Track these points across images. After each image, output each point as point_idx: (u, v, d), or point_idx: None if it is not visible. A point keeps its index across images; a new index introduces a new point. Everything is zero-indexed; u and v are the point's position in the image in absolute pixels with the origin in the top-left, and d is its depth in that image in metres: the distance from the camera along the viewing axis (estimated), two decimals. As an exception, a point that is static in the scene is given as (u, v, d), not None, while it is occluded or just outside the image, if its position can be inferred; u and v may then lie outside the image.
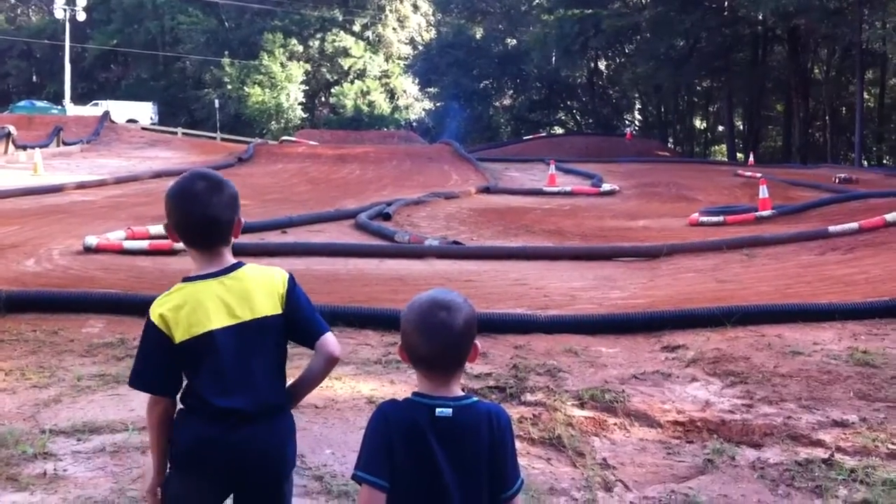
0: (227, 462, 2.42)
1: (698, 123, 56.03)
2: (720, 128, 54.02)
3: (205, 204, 2.49)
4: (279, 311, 2.52)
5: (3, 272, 9.89)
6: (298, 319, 2.55)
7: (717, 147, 55.91)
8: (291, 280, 2.58)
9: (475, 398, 2.26)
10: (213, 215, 2.50)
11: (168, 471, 2.53)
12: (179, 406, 2.52)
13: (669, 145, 49.22)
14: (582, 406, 5.27)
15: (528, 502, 3.92)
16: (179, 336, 2.41)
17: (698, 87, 50.74)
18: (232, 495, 2.53)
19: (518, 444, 4.64)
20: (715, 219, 15.87)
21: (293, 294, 2.56)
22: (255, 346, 2.48)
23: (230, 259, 2.55)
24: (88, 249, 11.27)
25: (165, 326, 2.41)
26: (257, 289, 2.51)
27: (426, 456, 2.16)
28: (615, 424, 5.01)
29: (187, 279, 2.50)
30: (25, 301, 7.72)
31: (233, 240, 2.58)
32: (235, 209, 2.56)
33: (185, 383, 2.51)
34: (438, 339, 2.20)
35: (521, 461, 4.42)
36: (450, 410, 2.18)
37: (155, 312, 2.44)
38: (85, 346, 6.47)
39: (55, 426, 4.79)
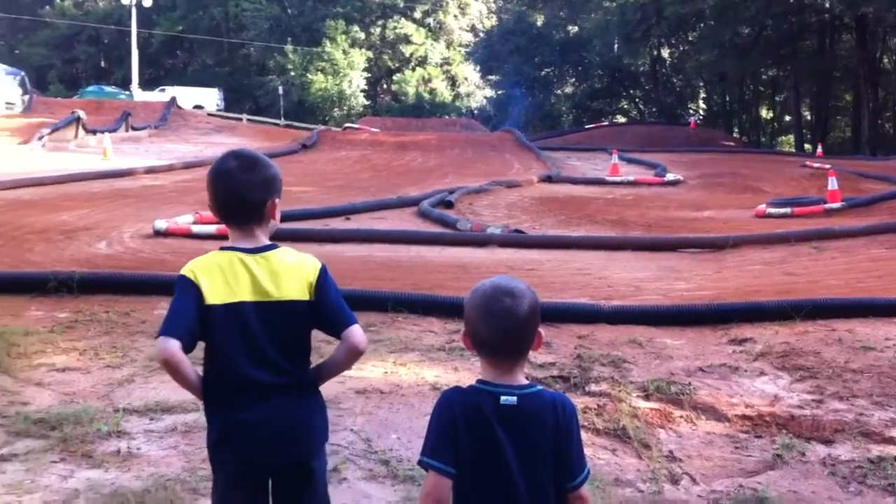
0: (258, 441, 2.47)
1: (764, 113, 55.03)
2: (787, 118, 53.01)
3: (236, 182, 2.57)
4: (306, 298, 2.56)
5: (76, 254, 10.14)
6: (326, 309, 2.59)
7: (783, 137, 54.89)
8: (323, 270, 2.62)
9: (540, 386, 2.27)
10: (241, 194, 2.57)
11: (213, 476, 2.60)
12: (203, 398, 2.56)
13: (734, 135, 48.47)
14: (647, 398, 5.25)
15: (593, 493, 3.91)
16: (212, 299, 2.47)
17: (764, 76, 49.83)
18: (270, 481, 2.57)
19: (583, 435, 4.64)
20: (782, 210, 15.60)
21: (324, 284, 2.59)
22: (278, 325, 2.53)
23: (264, 240, 2.61)
24: (158, 233, 11.49)
25: (199, 284, 2.47)
26: (287, 272, 2.56)
27: (491, 443, 2.17)
28: (681, 417, 4.98)
29: (223, 248, 2.58)
30: (98, 282, 7.89)
31: (272, 222, 2.63)
32: (271, 190, 2.61)
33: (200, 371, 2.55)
34: (503, 325, 2.21)
35: (586, 451, 4.40)
36: (514, 398, 2.20)
37: (191, 272, 2.51)
38: (156, 328, 6.57)
39: (128, 405, 4.91)
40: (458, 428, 2.17)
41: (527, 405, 2.20)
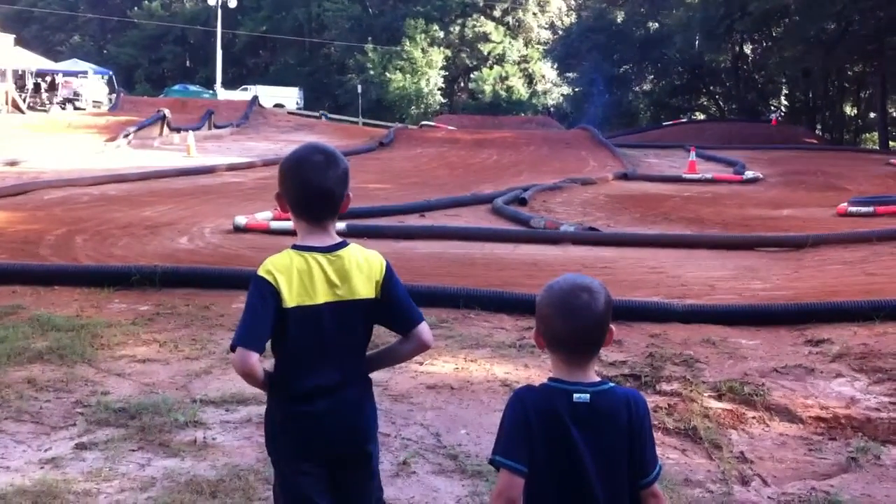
0: (319, 430, 2.51)
1: (848, 110, 53.52)
2: (872, 115, 51.45)
3: (321, 176, 2.54)
4: (373, 296, 2.57)
5: (158, 248, 10.41)
6: (394, 307, 2.60)
7: (868, 135, 53.30)
8: (389, 268, 2.62)
9: (612, 384, 2.26)
10: (329, 188, 2.55)
11: (273, 473, 2.66)
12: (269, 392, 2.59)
13: (817, 132, 47.28)
14: (719, 398, 5.19)
15: (662, 492, 3.90)
16: (292, 301, 2.47)
17: (849, 72, 48.42)
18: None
19: (653, 434, 4.63)
20: (865, 209, 15.18)
21: (391, 281, 2.60)
22: (348, 324, 2.55)
23: (335, 236, 2.60)
24: (238, 229, 11.73)
25: (279, 288, 2.46)
26: (357, 270, 2.56)
27: (565, 442, 2.16)
28: (754, 418, 4.91)
29: (297, 247, 2.56)
30: (180, 276, 8.09)
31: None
32: (347, 184, 2.61)
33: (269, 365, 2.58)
34: (580, 321, 2.20)
35: (656, 451, 4.40)
36: (587, 396, 2.18)
37: (269, 273, 2.48)
38: (234, 321, 6.70)
39: (205, 396, 5.03)
40: (532, 427, 2.16)
41: (600, 403, 2.19)
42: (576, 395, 2.18)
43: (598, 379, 2.25)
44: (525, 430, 2.17)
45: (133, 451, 4.25)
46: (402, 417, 4.74)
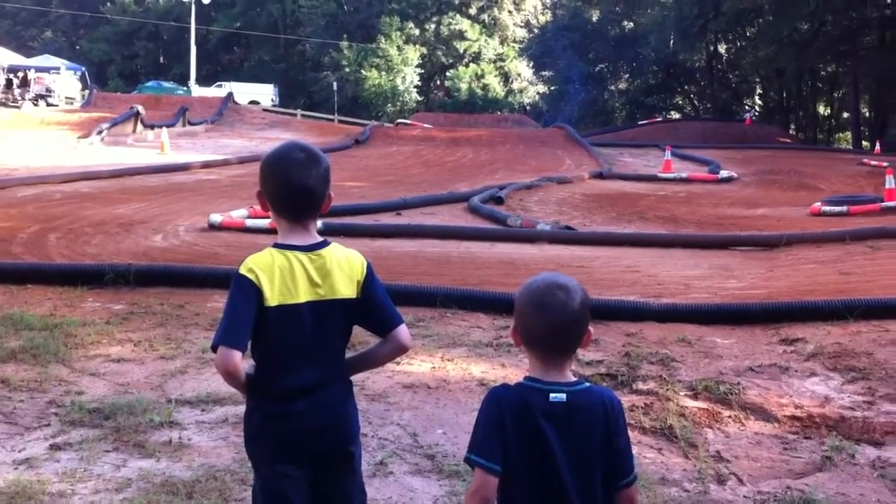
0: (300, 430, 2.49)
1: (822, 110, 54.00)
2: (845, 114, 51.94)
3: (303, 174, 2.53)
4: (354, 296, 2.56)
5: (132, 247, 10.34)
6: (374, 307, 2.60)
7: (841, 134, 53.78)
8: (370, 268, 2.62)
9: (588, 383, 2.26)
10: (310, 186, 2.53)
11: (254, 476, 2.63)
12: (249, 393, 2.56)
13: (791, 132, 47.68)
14: (695, 397, 5.22)
15: (638, 492, 3.92)
16: (273, 299, 2.45)
17: (822, 72, 48.86)
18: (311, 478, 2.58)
19: (629, 433, 4.64)
20: (838, 209, 15.32)
21: (371, 282, 2.60)
22: (329, 324, 2.53)
23: (316, 235, 2.59)
24: (213, 226, 11.67)
25: (260, 285, 2.44)
26: (338, 270, 2.55)
27: (540, 441, 2.16)
28: (729, 417, 4.94)
29: (278, 245, 2.54)
30: (154, 275, 8.06)
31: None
32: (328, 183, 2.59)
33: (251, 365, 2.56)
34: (556, 319, 2.19)
35: (632, 450, 4.41)
36: (564, 395, 2.18)
37: (251, 271, 2.46)
38: (210, 320, 6.71)
39: (181, 396, 5.01)
40: (506, 426, 2.16)
41: (576, 402, 2.19)
42: (552, 395, 2.18)
43: (574, 379, 2.25)
44: (499, 429, 2.16)
45: (108, 451, 4.22)
46: (379, 417, 4.73)
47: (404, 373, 5.44)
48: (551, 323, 2.20)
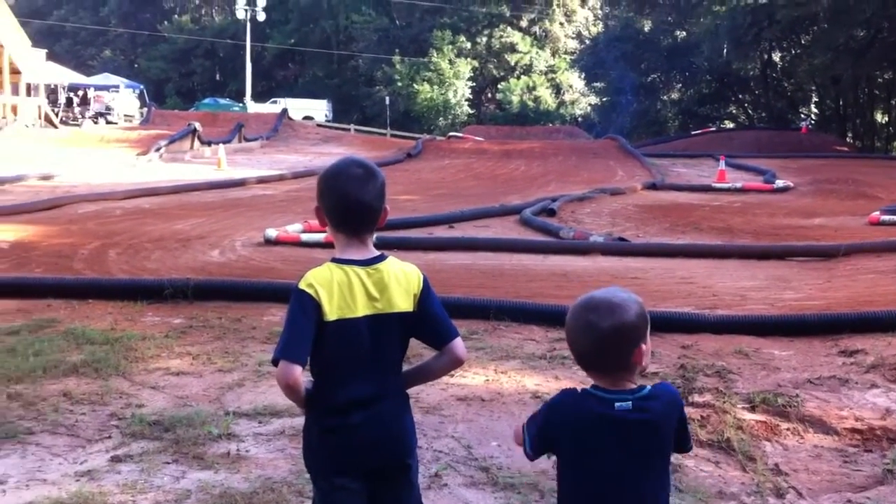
0: (359, 443, 2.52)
1: (879, 117, 52.97)
2: (903, 121, 50.93)
3: (360, 189, 2.56)
4: (411, 309, 2.58)
5: (190, 262, 10.50)
6: (431, 321, 2.62)
7: (900, 142, 52.75)
8: (426, 281, 2.63)
9: (648, 386, 2.26)
10: (367, 201, 2.56)
11: (313, 489, 2.66)
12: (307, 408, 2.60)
13: (848, 140, 46.83)
14: (753, 409, 5.15)
15: (695, 505, 3.89)
16: (332, 314, 2.48)
17: (879, 79, 47.92)
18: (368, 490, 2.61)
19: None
20: (898, 218, 15.05)
21: (428, 295, 2.62)
22: (386, 337, 2.56)
23: (373, 249, 2.61)
24: (268, 241, 11.80)
25: (319, 300, 2.48)
26: (395, 284, 2.57)
27: (601, 450, 2.20)
28: (788, 430, 4.88)
29: (336, 260, 2.57)
30: (211, 289, 8.16)
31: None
32: (384, 198, 2.62)
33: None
34: (588, 339, 2.23)
35: (689, 462, 4.39)
36: (629, 403, 2.21)
37: (310, 286, 2.49)
38: (266, 334, 6.79)
39: (238, 409, 5.06)
40: (561, 432, 2.24)
41: (642, 408, 2.22)
42: (617, 404, 2.20)
43: (635, 386, 2.26)
44: (551, 435, 2.26)
45: (167, 463, 4.29)
46: (434, 429, 4.75)
47: (458, 385, 5.45)
48: (588, 343, 2.23)
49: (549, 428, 2.26)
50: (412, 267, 2.66)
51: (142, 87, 55.61)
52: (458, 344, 2.65)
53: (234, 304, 7.84)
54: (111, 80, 52.98)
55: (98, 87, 48.91)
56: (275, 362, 2.48)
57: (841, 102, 51.32)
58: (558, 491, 2.32)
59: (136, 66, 74.35)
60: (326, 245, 11.09)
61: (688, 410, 5.01)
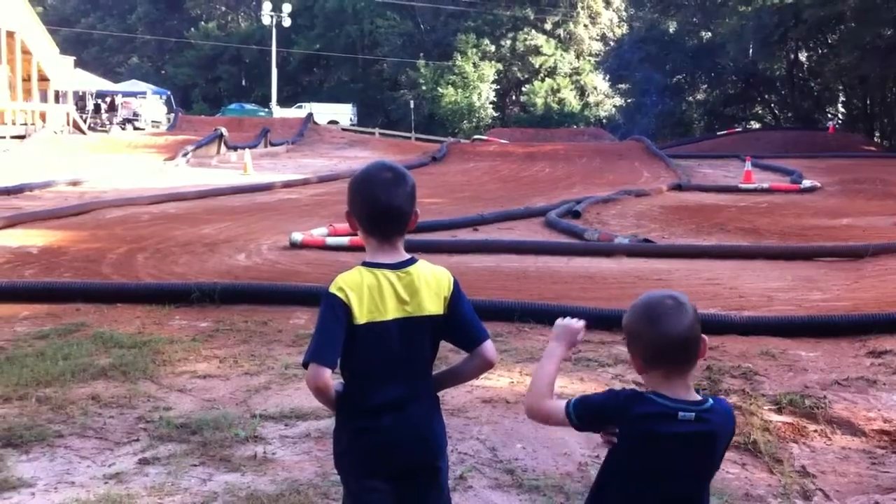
0: (389, 445, 2.52)
1: (908, 116, 52.46)
2: (934, 121, 50.37)
3: (390, 193, 2.57)
4: (441, 312, 2.58)
5: (217, 266, 10.57)
6: (461, 323, 2.62)
7: (929, 141, 52.17)
8: (456, 284, 2.64)
9: (711, 400, 2.30)
10: (398, 205, 2.57)
11: (343, 491, 2.67)
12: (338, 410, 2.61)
13: (875, 140, 46.38)
14: (779, 411, 5.13)
15: (721, 506, 3.88)
16: (362, 317, 2.49)
17: (907, 79, 47.50)
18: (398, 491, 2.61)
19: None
20: (927, 218, 14.90)
21: (458, 298, 2.62)
22: (416, 340, 2.56)
23: (404, 252, 2.62)
24: (294, 245, 11.84)
25: (349, 303, 2.49)
26: (425, 286, 2.57)
27: (664, 459, 2.25)
28: (815, 431, 4.85)
29: (367, 264, 2.58)
30: (238, 293, 8.21)
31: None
32: (414, 202, 2.63)
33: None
34: (673, 328, 2.25)
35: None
36: (692, 414, 2.24)
37: (340, 290, 2.51)
38: (292, 337, 6.83)
39: (264, 411, 5.09)
40: (616, 420, 2.28)
41: (705, 419, 2.25)
42: (681, 414, 2.23)
43: (699, 397, 2.30)
44: (605, 416, 2.30)
45: (195, 465, 4.32)
46: (459, 431, 4.76)
47: (483, 387, 5.46)
48: (669, 333, 2.25)
49: (608, 410, 2.29)
50: (443, 270, 2.66)
51: (169, 93, 56.12)
52: (489, 346, 2.65)
53: (260, 307, 7.88)
54: (138, 87, 53.52)
55: (126, 94, 49.41)
56: (305, 365, 2.50)
57: (868, 102, 50.83)
58: (603, 475, 2.37)
59: (162, 72, 75.04)
60: (351, 248, 11.15)
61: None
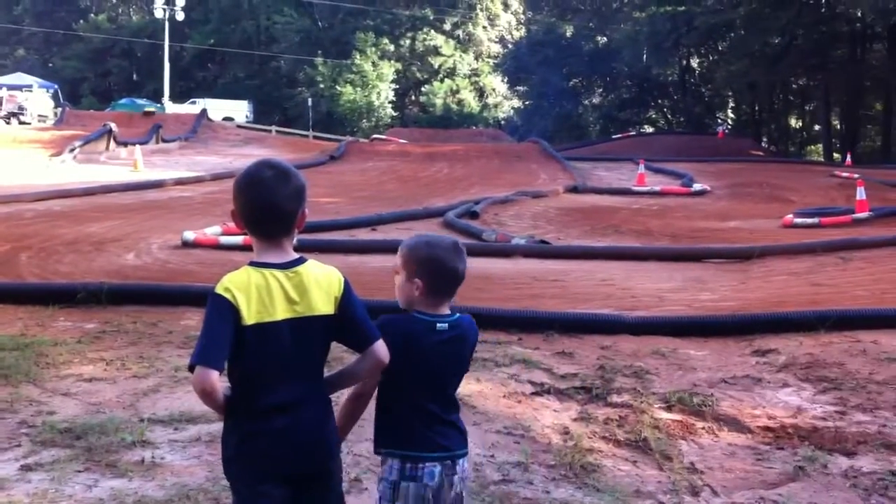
0: (279, 449, 2.48)
1: (793, 122, 54.58)
2: (816, 127, 52.52)
3: (271, 192, 2.52)
4: (332, 312, 2.56)
5: (105, 265, 10.27)
6: (352, 323, 2.59)
7: (812, 147, 54.35)
8: (347, 284, 2.61)
9: (458, 314, 2.84)
10: (278, 204, 2.53)
11: (232, 496, 2.60)
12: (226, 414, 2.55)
13: (763, 144, 48.10)
14: (669, 409, 5.24)
15: (613, 505, 3.93)
16: (251, 318, 2.44)
17: (794, 85, 49.40)
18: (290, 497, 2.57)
19: (604, 446, 4.68)
20: (810, 220, 15.48)
21: (349, 298, 2.59)
22: (307, 340, 2.53)
23: (292, 252, 2.58)
24: (186, 244, 11.61)
25: (237, 304, 2.43)
26: (315, 286, 2.54)
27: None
28: (703, 428, 4.96)
29: (254, 264, 2.53)
30: (126, 293, 8.00)
31: (296, 232, 2.61)
32: (301, 201, 2.58)
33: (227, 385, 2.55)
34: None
35: (607, 462, 4.44)
36: (447, 325, 2.75)
37: (227, 290, 2.45)
38: (183, 338, 6.67)
39: (153, 415, 4.95)
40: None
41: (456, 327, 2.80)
42: (438, 325, 2.73)
43: (447, 312, 2.82)
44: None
45: (79, 471, 4.17)
46: (353, 433, 4.69)
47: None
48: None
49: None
50: (333, 269, 2.62)
51: (56, 86, 54.24)
52: (380, 346, 2.62)
53: (149, 308, 7.69)
54: (24, 80, 51.58)
55: (10, 87, 47.47)
56: (191, 368, 2.42)
57: (756, 108, 52.78)
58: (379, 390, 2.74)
59: (50, 65, 72.45)
60: (245, 248, 10.94)
61: (606, 411, 5.11)
